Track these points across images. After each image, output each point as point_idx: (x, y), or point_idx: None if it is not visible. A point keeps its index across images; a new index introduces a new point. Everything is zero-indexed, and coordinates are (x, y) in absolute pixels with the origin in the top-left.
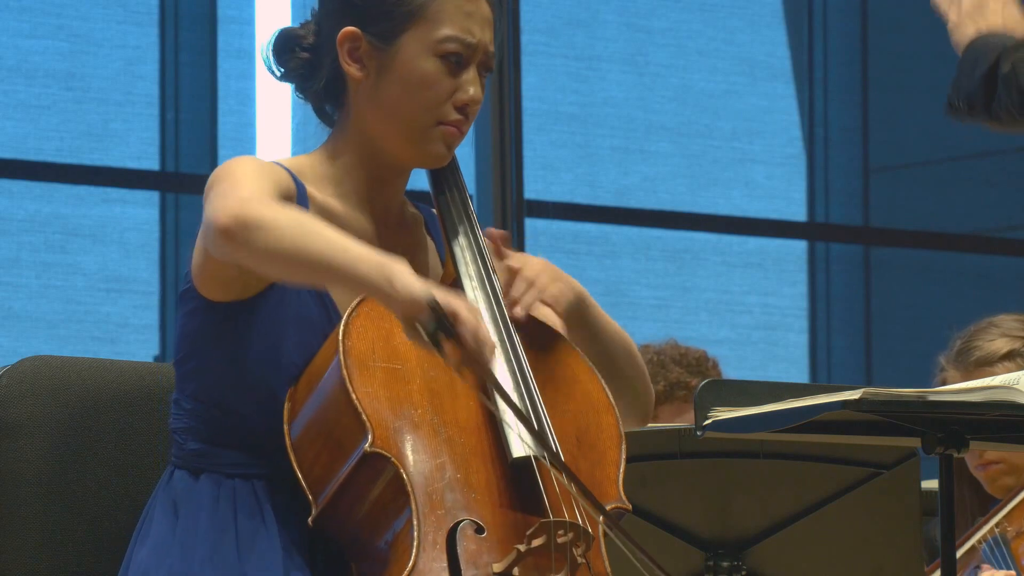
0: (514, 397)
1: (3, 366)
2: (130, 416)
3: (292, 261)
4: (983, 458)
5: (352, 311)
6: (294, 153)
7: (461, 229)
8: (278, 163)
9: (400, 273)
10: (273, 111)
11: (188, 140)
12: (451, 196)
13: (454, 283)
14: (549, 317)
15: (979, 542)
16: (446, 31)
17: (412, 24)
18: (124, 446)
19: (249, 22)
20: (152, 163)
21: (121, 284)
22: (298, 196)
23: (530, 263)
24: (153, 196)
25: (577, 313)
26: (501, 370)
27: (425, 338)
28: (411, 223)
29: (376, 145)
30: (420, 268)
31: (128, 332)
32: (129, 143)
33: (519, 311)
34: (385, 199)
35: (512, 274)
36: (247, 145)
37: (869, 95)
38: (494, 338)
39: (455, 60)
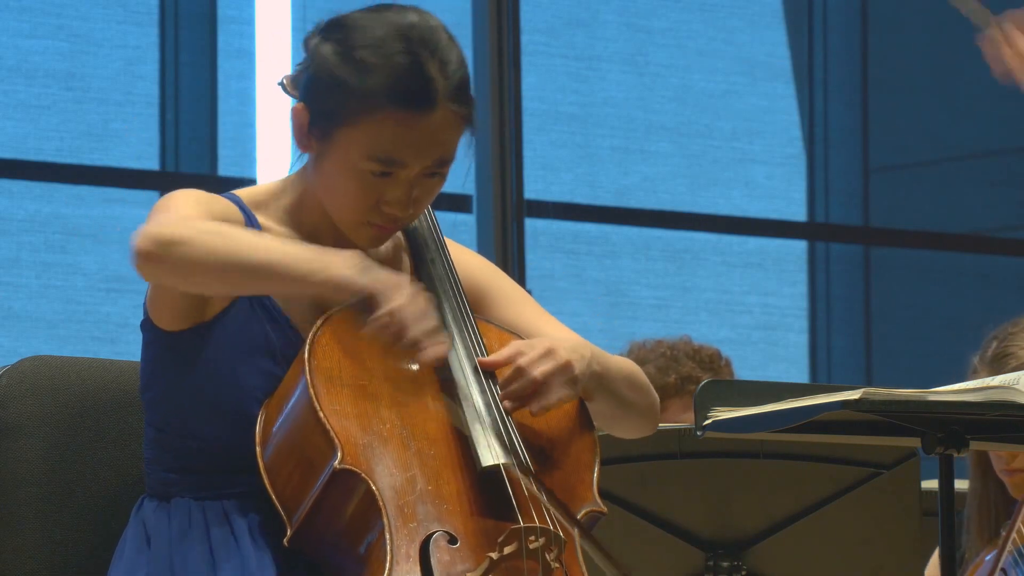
0: (479, 402)
1: (3, 366)
2: (130, 416)
3: (217, 271)
4: (1010, 464)
5: (317, 330)
6: (292, 154)
7: (443, 298)
8: (231, 194)
9: (332, 263)
10: (273, 111)
11: (188, 140)
12: (432, 264)
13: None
14: None
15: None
16: (373, 150)
17: (344, 131)
18: (124, 446)
19: (249, 22)
20: (152, 163)
21: (121, 284)
22: (247, 226)
23: (540, 362)
24: (153, 196)
25: (589, 391)
26: (467, 380)
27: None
28: (384, 253)
29: None
30: None
31: (128, 332)
32: (129, 143)
33: (508, 406)
34: (346, 235)
35: (519, 373)
36: (247, 145)
37: (869, 95)
38: (466, 367)
39: (382, 175)
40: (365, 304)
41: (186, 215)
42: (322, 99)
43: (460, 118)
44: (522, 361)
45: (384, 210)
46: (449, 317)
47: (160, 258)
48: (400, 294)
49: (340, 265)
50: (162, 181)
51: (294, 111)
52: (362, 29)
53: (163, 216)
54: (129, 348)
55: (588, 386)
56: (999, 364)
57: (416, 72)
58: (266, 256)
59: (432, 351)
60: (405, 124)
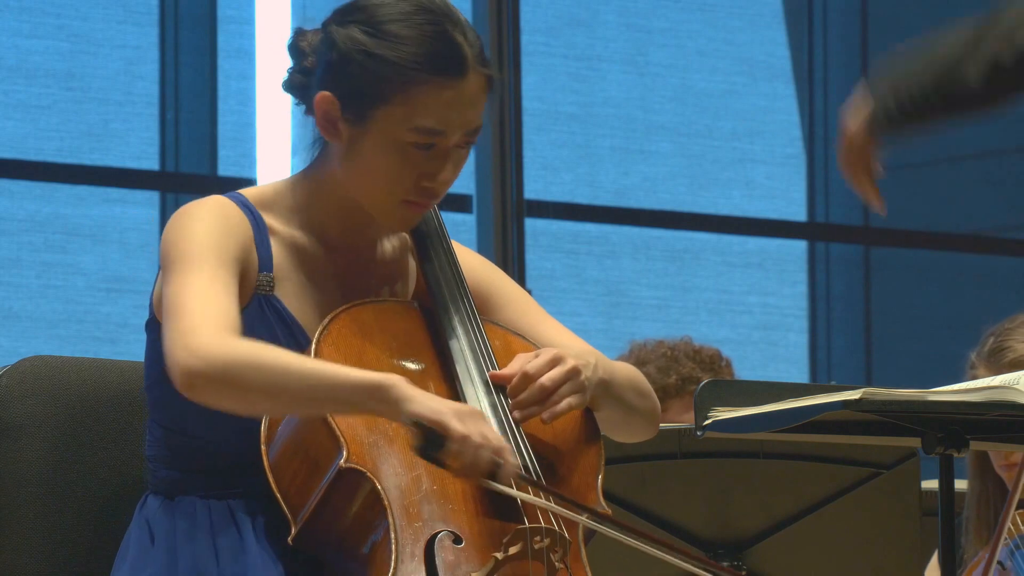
0: (484, 404)
1: (3, 366)
2: (130, 416)
3: (270, 405)
4: (1009, 459)
5: (323, 330)
6: (293, 155)
7: (449, 299)
8: (237, 194)
9: (376, 394)
10: (273, 111)
11: (188, 140)
12: (439, 263)
13: (436, 333)
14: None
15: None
16: (416, 122)
17: (384, 108)
18: (124, 446)
19: (249, 22)
20: (152, 163)
21: (121, 284)
22: (256, 231)
23: (548, 368)
24: (153, 196)
25: (596, 399)
26: (474, 382)
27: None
28: (390, 253)
29: (346, 192)
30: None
31: (128, 332)
32: (129, 143)
33: (518, 416)
34: (356, 233)
35: (526, 380)
36: (247, 145)
37: None
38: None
39: (424, 147)
40: (425, 430)
41: (212, 314)
42: (356, 80)
43: (488, 81)
44: (530, 368)
45: (423, 184)
46: (456, 321)
47: (206, 395)
48: (458, 419)
49: (384, 395)
50: (162, 181)
51: (319, 101)
52: (384, 6)
53: (187, 321)
54: (129, 348)
55: (595, 393)
56: (996, 358)
57: (446, 39)
58: (314, 394)
59: (510, 465)
60: (444, 92)
